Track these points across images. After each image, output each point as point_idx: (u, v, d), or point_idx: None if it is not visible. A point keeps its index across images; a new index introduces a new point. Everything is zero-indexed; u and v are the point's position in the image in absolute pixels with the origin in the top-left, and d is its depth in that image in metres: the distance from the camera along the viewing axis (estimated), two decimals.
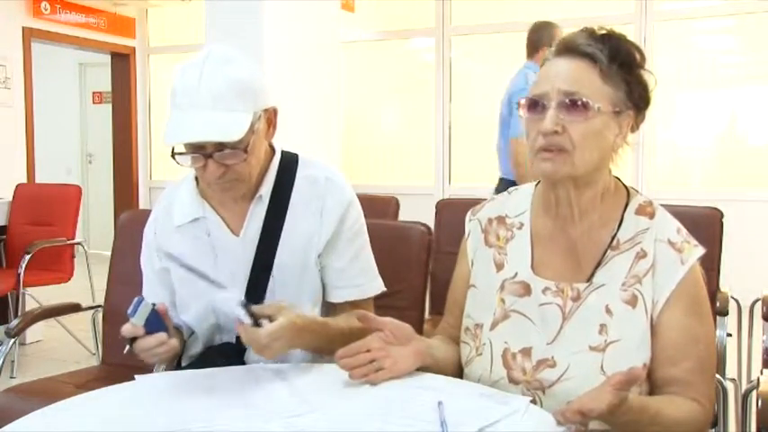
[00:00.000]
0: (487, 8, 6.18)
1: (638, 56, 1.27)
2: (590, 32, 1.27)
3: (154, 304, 1.34)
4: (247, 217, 1.53)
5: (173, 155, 1.41)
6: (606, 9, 5.65)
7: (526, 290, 1.33)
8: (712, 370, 1.30)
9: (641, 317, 1.25)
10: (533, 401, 1.25)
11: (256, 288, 1.52)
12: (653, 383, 1.27)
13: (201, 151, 1.39)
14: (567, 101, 1.22)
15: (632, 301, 1.25)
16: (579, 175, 1.26)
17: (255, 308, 1.32)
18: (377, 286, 1.62)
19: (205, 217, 1.54)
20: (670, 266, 1.26)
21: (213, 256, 1.54)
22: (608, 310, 1.26)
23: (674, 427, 1.19)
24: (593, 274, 1.29)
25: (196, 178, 1.57)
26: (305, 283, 1.54)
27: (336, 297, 1.58)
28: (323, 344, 1.44)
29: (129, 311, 1.30)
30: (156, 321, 1.33)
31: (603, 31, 1.27)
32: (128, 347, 1.34)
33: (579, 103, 1.22)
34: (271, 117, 1.51)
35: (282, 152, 1.60)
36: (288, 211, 1.54)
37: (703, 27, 5.69)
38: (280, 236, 1.53)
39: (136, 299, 1.33)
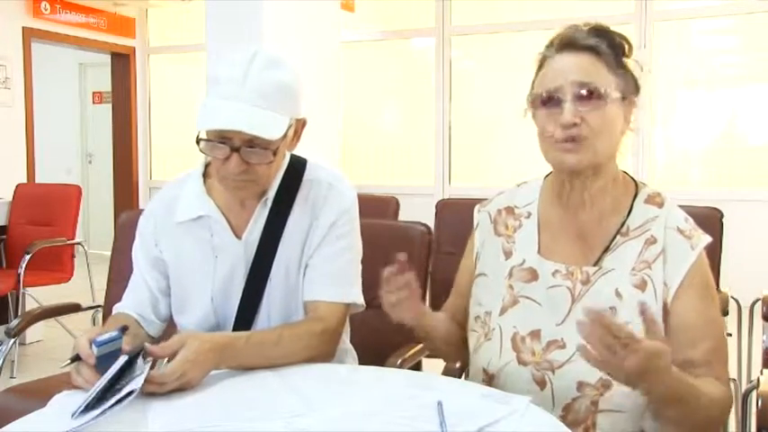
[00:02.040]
0: (487, 8, 6.18)
1: (626, 46, 1.33)
2: (577, 28, 1.32)
3: (120, 347, 1.26)
4: (252, 220, 1.51)
5: (198, 141, 1.39)
6: (606, 9, 5.65)
7: (533, 275, 1.35)
8: (726, 351, 1.32)
9: (651, 301, 1.27)
10: (543, 381, 1.28)
11: (253, 292, 1.50)
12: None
13: (229, 143, 1.37)
14: (582, 92, 1.26)
15: (642, 286, 1.28)
16: (598, 163, 1.29)
17: (156, 348, 1.26)
18: (349, 294, 1.53)
19: (209, 216, 1.52)
20: (681, 253, 1.30)
21: (213, 257, 1.52)
22: (618, 294, 1.28)
23: (707, 404, 1.20)
24: (600, 258, 1.32)
25: (203, 175, 1.55)
26: (299, 288, 1.53)
27: (305, 295, 1.52)
28: (253, 356, 1.37)
29: (99, 338, 1.22)
30: (112, 359, 1.24)
31: (590, 26, 1.32)
32: (68, 362, 1.24)
33: (595, 92, 1.26)
34: (298, 128, 1.50)
35: (291, 156, 1.58)
36: (290, 216, 1.52)
37: (703, 27, 5.69)
38: (279, 240, 1.51)
39: (117, 332, 1.26)
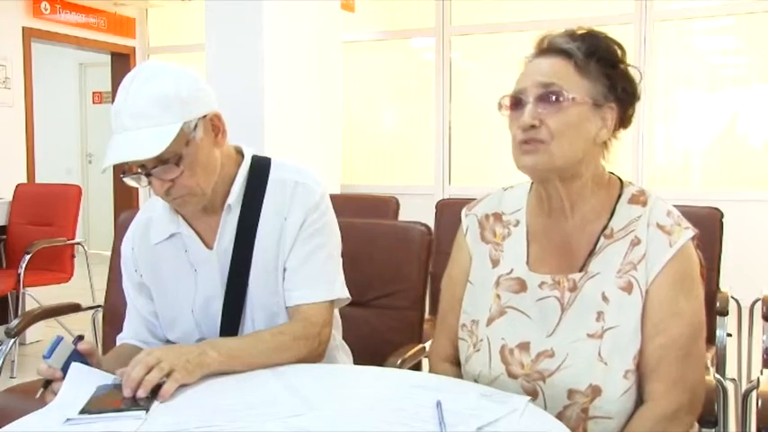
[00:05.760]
0: (487, 8, 6.18)
1: (619, 52, 1.30)
2: (569, 33, 1.30)
3: (76, 344, 1.28)
4: (219, 228, 1.49)
5: (122, 176, 1.39)
6: (606, 9, 5.64)
7: (521, 286, 1.34)
8: (691, 350, 1.26)
9: (637, 302, 1.25)
10: (534, 392, 1.27)
11: (233, 300, 1.49)
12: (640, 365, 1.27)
13: (144, 170, 1.36)
14: (542, 93, 1.25)
15: (628, 288, 1.26)
16: (560, 167, 1.27)
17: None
18: (331, 291, 1.51)
19: (180, 232, 1.51)
20: (659, 250, 1.26)
21: (193, 272, 1.51)
22: (604, 298, 1.27)
23: None
24: (585, 263, 1.30)
25: None
26: (280, 290, 1.50)
27: (288, 300, 1.50)
28: (238, 367, 1.36)
29: (45, 353, 1.24)
30: (77, 362, 1.26)
31: (583, 31, 1.30)
32: (41, 391, 1.25)
33: (554, 93, 1.24)
34: (215, 123, 1.44)
35: (254, 157, 1.55)
36: (260, 218, 1.49)
37: (703, 27, 5.69)
38: (253, 244, 1.49)
39: (55, 338, 1.27)
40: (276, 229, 1.50)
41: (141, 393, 1.19)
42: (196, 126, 1.39)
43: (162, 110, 1.34)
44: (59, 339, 1.26)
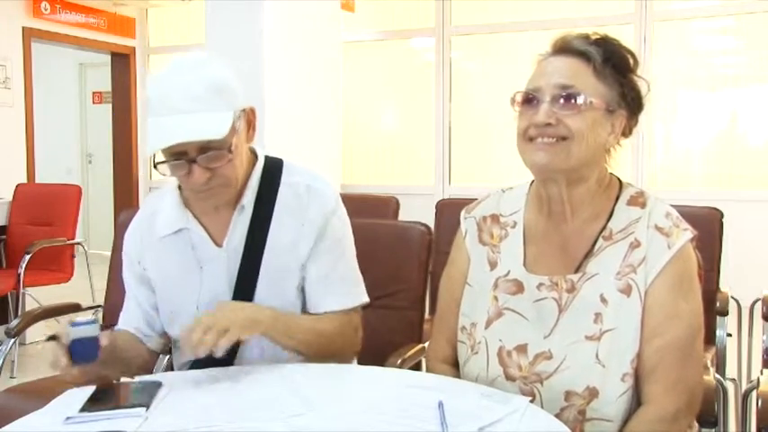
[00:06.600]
0: (487, 8, 6.17)
1: (631, 61, 1.30)
2: (584, 36, 1.30)
3: (96, 335, 1.26)
4: (230, 227, 1.49)
5: (155, 165, 1.38)
6: (606, 9, 5.64)
7: (519, 287, 1.33)
8: (690, 352, 1.25)
9: (636, 305, 1.25)
10: (531, 394, 1.26)
11: (241, 300, 1.49)
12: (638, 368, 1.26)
13: (185, 157, 1.35)
14: (561, 94, 1.25)
15: (627, 290, 1.26)
16: (572, 168, 1.26)
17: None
18: (358, 296, 1.57)
19: (188, 228, 1.50)
20: (657, 252, 1.26)
21: (199, 269, 1.51)
22: (603, 299, 1.26)
23: None
24: (582, 264, 1.29)
25: (179, 187, 1.52)
26: (288, 293, 1.51)
27: (318, 307, 1.52)
28: (290, 333, 1.44)
29: (78, 321, 1.24)
30: (89, 347, 1.24)
31: (598, 36, 1.30)
32: (47, 338, 1.27)
33: (573, 96, 1.24)
34: (250, 118, 1.47)
35: (266, 158, 1.56)
36: (272, 222, 1.50)
37: (703, 27, 5.69)
38: (264, 246, 1.49)
39: (92, 317, 1.27)
40: (290, 233, 1.50)
41: (201, 353, 1.25)
42: (240, 116, 1.41)
43: (215, 95, 1.36)
44: (93, 321, 1.26)
